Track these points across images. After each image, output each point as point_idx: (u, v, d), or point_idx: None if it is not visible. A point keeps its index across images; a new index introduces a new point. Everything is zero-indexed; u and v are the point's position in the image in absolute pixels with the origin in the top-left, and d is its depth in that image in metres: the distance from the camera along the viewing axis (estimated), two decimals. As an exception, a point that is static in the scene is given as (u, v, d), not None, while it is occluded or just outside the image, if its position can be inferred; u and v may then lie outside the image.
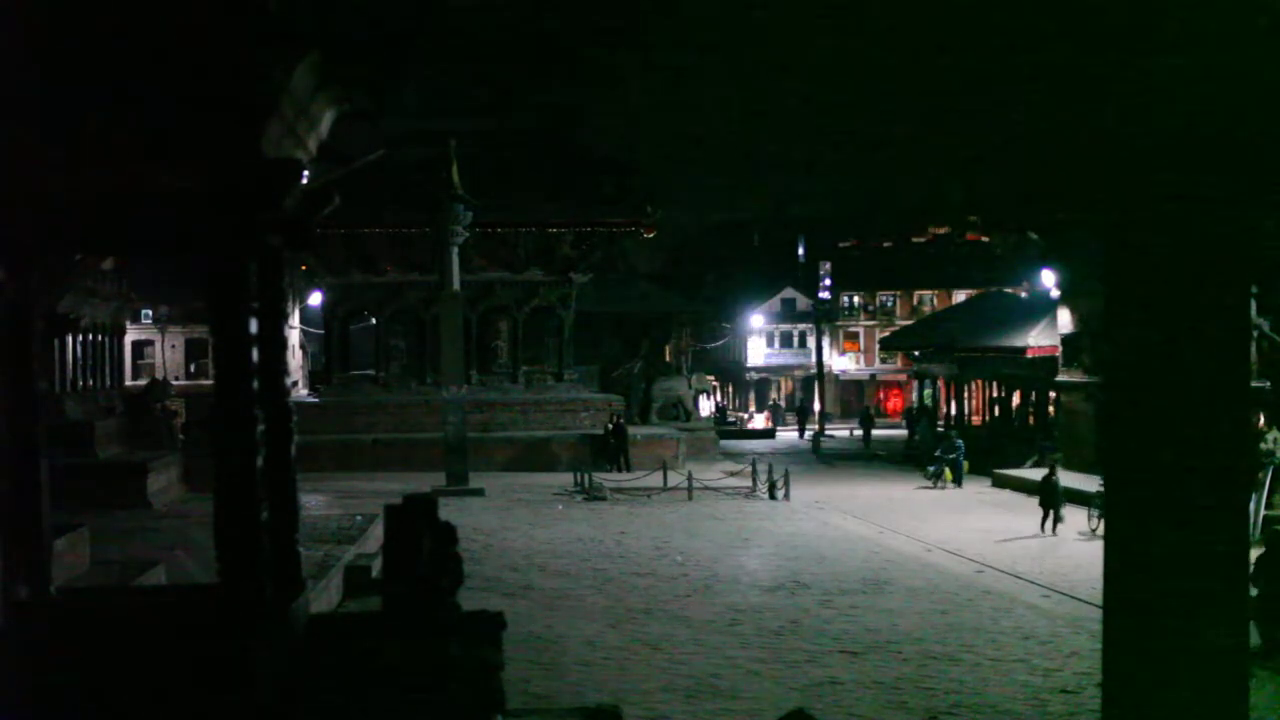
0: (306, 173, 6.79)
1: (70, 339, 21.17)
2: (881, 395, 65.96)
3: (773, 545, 18.63)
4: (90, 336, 22.38)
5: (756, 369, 70.34)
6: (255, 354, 6.23)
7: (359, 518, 16.83)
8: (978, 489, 27.65)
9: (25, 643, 6.11)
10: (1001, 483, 28.39)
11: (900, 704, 10.18)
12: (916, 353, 47.18)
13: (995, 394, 39.49)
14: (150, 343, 50.39)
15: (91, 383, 22.42)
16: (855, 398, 65.74)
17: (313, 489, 21.55)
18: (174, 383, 37.74)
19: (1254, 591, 11.11)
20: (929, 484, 28.27)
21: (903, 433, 47.75)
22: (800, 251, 69.64)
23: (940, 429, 41.63)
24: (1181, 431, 4.85)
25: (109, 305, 23.11)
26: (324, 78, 6.47)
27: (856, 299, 68.81)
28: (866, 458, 40.91)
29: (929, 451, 37.43)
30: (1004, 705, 10.20)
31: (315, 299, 39.40)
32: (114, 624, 6.52)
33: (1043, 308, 35.18)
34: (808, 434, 51.20)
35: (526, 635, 11.87)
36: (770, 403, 65.17)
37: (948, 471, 28.30)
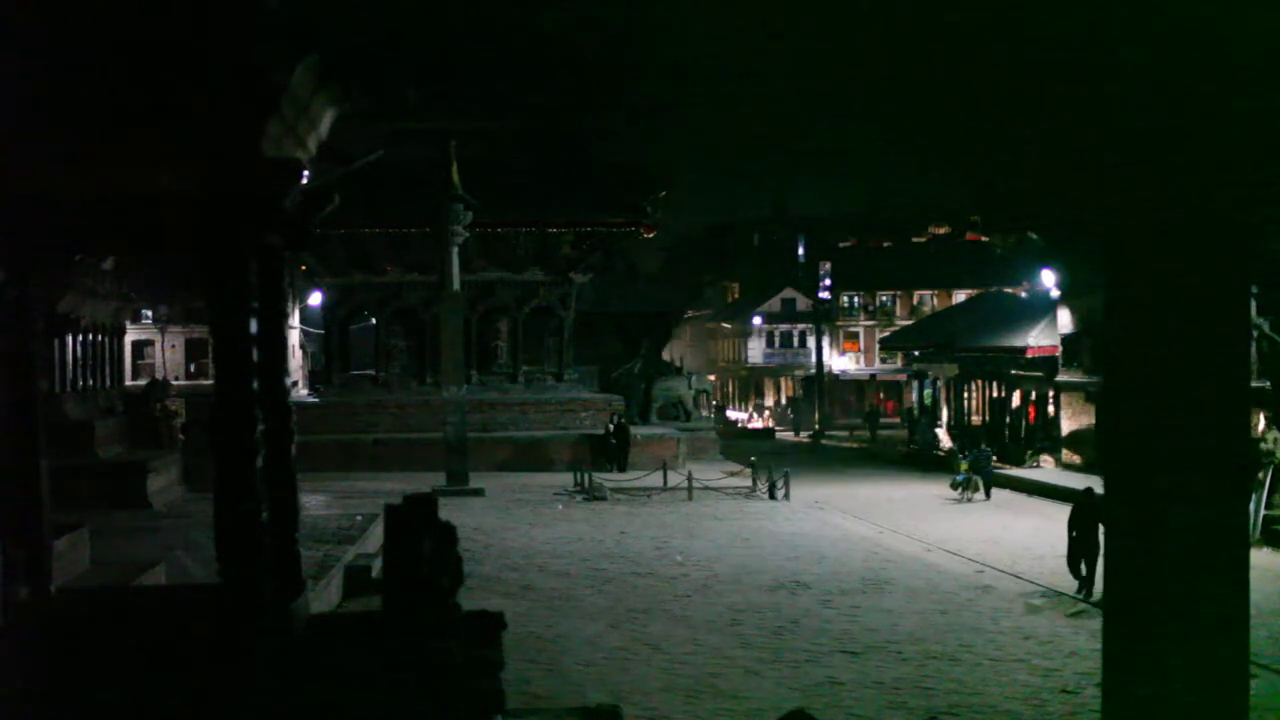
0: (306, 173, 6.79)
1: (70, 339, 21.10)
2: (881, 395, 65.93)
3: (773, 545, 18.62)
4: (90, 336, 22.32)
5: (756, 369, 70.35)
6: (255, 354, 6.23)
7: (359, 518, 16.81)
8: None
9: (25, 643, 6.11)
10: (1001, 483, 28.36)
11: (900, 704, 10.18)
12: (916, 353, 47.18)
13: (995, 394, 39.45)
14: (150, 343, 50.40)
15: (91, 383, 22.35)
16: (855, 398, 65.74)
17: (313, 489, 21.53)
18: (174, 383, 37.67)
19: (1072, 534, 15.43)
20: (955, 495, 26.41)
21: (902, 433, 47.82)
22: (800, 251, 69.69)
23: (939, 428, 41.64)
24: (1181, 431, 4.84)
25: (109, 305, 23.05)
26: (324, 78, 6.47)
27: (856, 299, 68.83)
28: (867, 457, 40.93)
29: (929, 452, 37.42)
30: (1004, 705, 10.20)
31: (315, 299, 39.40)
32: (114, 624, 6.52)
33: (1043, 308, 35.15)
34: (803, 433, 51.39)
35: (526, 635, 11.86)
36: (757, 403, 65.10)
37: (977, 481, 26.38)
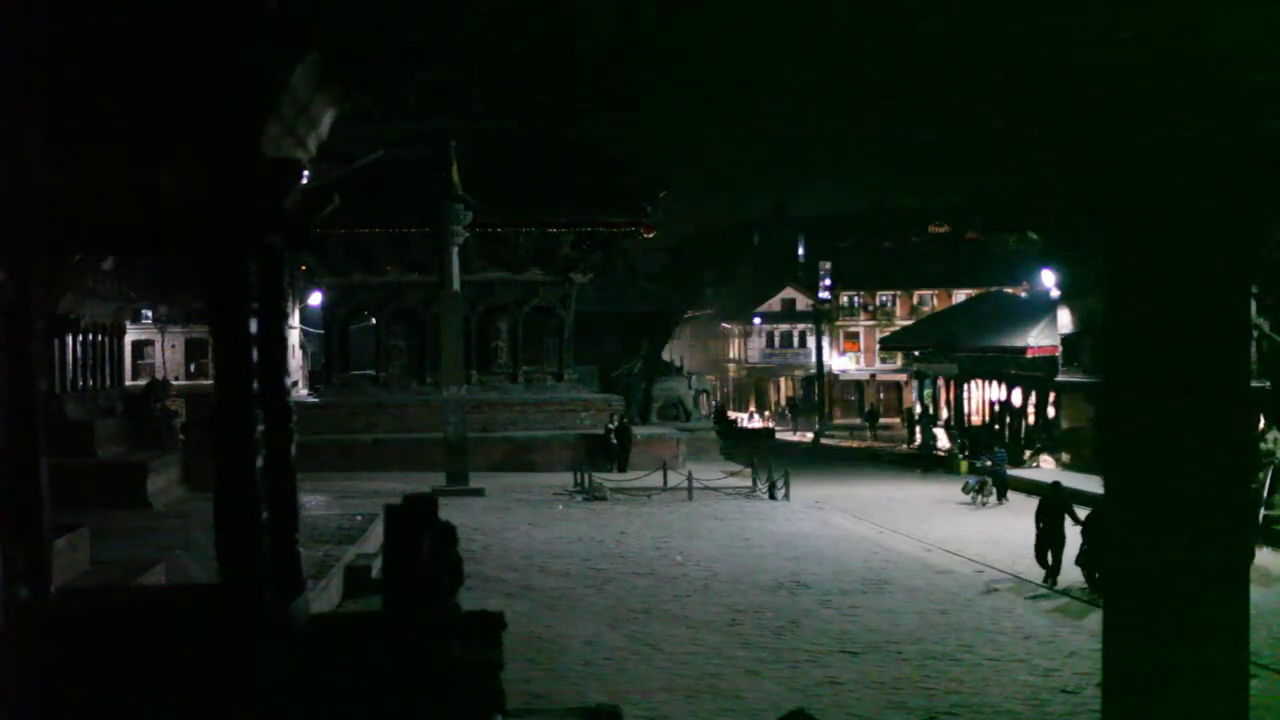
0: (306, 173, 6.78)
1: (70, 339, 21.13)
2: (881, 395, 65.98)
3: (773, 545, 18.63)
4: (90, 336, 22.35)
5: (756, 369, 70.37)
6: (255, 354, 6.22)
7: (359, 518, 16.81)
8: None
9: (25, 643, 6.11)
10: (1002, 482, 28.31)
11: (900, 704, 10.19)
12: (916, 353, 47.24)
13: (995, 394, 39.49)
14: (150, 343, 50.42)
15: (91, 383, 22.38)
16: (856, 398, 65.77)
17: (313, 489, 21.54)
18: (174, 383, 37.70)
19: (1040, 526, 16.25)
20: (968, 500, 25.63)
21: (902, 433, 47.87)
22: (800, 251, 69.76)
23: (939, 427, 41.65)
24: (1181, 431, 4.84)
25: (109, 305, 23.08)
26: (324, 78, 6.46)
27: (856, 299, 68.87)
28: (867, 457, 40.94)
29: (928, 452, 37.43)
30: (1004, 705, 10.20)
31: (315, 299, 39.42)
32: (114, 624, 6.52)
33: (1043, 308, 35.21)
34: (803, 433, 51.56)
35: (526, 635, 11.87)
36: (757, 404, 65.12)
37: (990, 484, 25.64)
